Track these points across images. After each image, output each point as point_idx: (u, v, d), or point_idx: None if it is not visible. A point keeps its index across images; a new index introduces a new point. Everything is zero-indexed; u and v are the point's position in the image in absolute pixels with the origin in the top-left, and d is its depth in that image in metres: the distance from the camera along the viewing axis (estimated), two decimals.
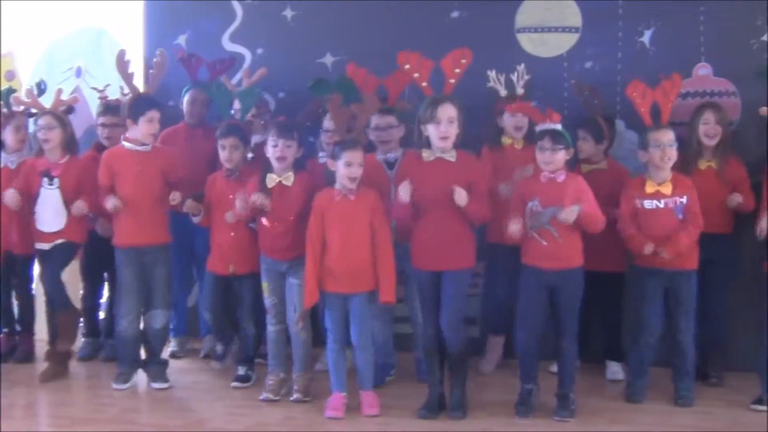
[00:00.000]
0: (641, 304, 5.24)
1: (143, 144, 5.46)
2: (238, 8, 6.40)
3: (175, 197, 5.41)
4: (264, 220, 5.27)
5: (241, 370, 5.58)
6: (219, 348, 5.80)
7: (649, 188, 5.15)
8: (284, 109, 6.10)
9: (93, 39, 7.04)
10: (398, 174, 5.20)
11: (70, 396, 5.49)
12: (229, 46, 6.39)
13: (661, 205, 5.13)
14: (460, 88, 5.16)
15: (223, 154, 5.51)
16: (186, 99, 6.12)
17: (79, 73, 6.93)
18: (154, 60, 5.76)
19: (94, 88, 6.33)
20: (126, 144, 5.49)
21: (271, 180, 5.22)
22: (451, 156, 4.90)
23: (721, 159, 5.46)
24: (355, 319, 5.09)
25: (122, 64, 5.57)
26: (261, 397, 5.27)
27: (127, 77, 5.59)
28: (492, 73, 5.53)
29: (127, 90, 5.72)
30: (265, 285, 5.37)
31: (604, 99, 5.75)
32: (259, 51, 6.36)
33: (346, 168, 4.99)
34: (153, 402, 5.40)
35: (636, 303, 5.29)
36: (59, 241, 5.66)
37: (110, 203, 5.38)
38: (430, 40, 5.75)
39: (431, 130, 4.87)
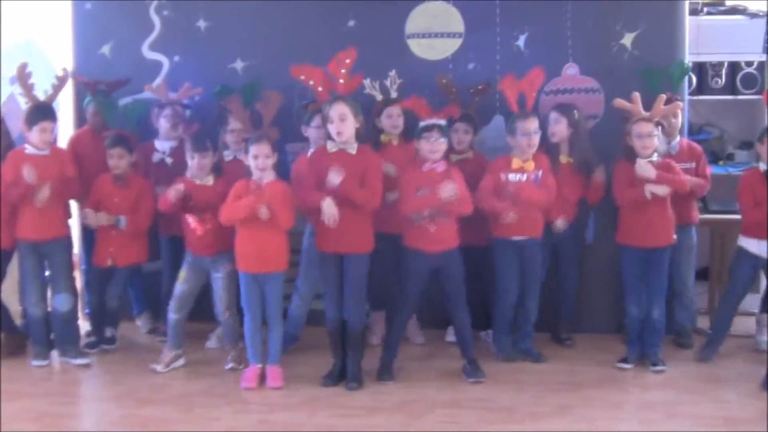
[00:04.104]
0: (501, 272, 5.77)
1: (41, 149, 5.79)
2: (156, 20, 6.71)
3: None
4: (190, 221, 5.71)
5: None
6: (93, 338, 6.19)
7: (515, 165, 5.69)
8: (200, 112, 6.52)
9: (25, 50, 7.35)
10: (300, 164, 5.80)
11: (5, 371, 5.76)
12: (149, 54, 6.71)
13: (524, 178, 5.68)
14: (360, 92, 5.68)
15: (111, 162, 5.99)
16: (89, 110, 6.45)
17: (13, 81, 7.23)
18: (58, 75, 6.10)
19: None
20: (28, 148, 5.80)
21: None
22: (353, 149, 5.40)
23: (575, 155, 5.98)
24: (269, 299, 5.53)
25: (23, 76, 5.85)
26: (156, 367, 5.76)
27: (27, 87, 5.86)
28: (367, 81, 5.90)
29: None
30: (183, 274, 5.81)
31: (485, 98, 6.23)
32: (176, 58, 6.69)
33: (254, 161, 5.44)
34: (81, 378, 5.78)
35: (496, 272, 5.81)
36: None
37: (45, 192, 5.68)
38: (329, 47, 5.93)
39: (329, 127, 5.40)
